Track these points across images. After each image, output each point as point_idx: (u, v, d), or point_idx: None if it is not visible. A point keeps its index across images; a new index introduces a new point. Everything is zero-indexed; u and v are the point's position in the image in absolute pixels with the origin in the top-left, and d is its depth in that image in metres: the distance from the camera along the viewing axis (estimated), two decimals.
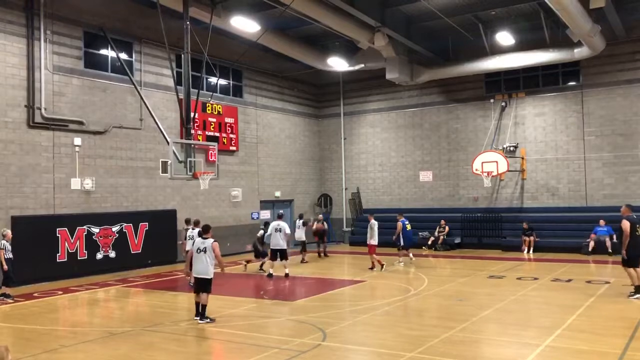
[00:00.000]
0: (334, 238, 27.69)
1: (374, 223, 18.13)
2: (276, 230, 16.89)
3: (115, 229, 18.69)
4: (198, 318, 10.99)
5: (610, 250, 20.25)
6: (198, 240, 11.34)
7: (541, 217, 23.04)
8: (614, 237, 20.63)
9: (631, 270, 12.55)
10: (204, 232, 11.40)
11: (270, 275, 16.65)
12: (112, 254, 18.54)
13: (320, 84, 29.10)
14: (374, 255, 17.84)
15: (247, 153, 24.68)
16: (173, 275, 17.93)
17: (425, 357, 8.39)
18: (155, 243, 19.72)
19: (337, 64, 24.26)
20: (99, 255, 18.19)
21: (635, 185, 21.97)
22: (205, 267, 11.03)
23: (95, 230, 18.11)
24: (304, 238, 21.16)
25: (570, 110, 23.31)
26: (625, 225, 12.54)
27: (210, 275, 11.06)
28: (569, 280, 15.22)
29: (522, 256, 21.15)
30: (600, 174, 22.66)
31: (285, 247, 16.84)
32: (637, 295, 12.42)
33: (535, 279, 15.60)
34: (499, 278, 16.02)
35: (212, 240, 11.18)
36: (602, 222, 20.93)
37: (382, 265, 17.68)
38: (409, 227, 19.21)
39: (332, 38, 23.43)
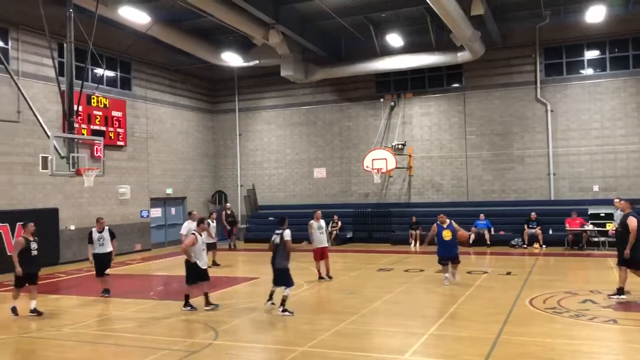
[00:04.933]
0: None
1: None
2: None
3: None
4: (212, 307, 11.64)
5: (488, 242, 21.74)
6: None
7: (427, 211, 24.15)
8: (492, 230, 22.20)
9: (626, 270, 11.45)
10: (197, 225, 12.30)
11: None
12: None
13: (214, 78, 28.64)
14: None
15: (136, 148, 23.77)
16: (55, 277, 16.90)
17: (316, 350, 8.56)
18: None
19: (232, 59, 24.00)
20: None
21: (510, 181, 23.74)
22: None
23: None
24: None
25: (454, 110, 24.71)
26: (633, 222, 11.17)
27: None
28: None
29: (410, 249, 22.14)
30: (479, 171, 24.24)
31: None
32: (621, 297, 11.49)
33: (422, 270, 16.38)
34: (387, 271, 16.66)
35: (192, 232, 11.97)
36: (482, 216, 22.40)
37: None
38: (447, 235, 13.90)
39: (227, 33, 23.14)
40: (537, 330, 9.39)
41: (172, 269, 18.35)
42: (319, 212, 15.33)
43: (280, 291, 11.24)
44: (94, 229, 13.58)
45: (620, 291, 11.56)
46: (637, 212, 11.60)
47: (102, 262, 13.40)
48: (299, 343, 8.93)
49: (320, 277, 14.87)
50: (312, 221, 15.03)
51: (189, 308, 11.56)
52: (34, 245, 11.70)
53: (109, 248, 13.49)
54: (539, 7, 21.43)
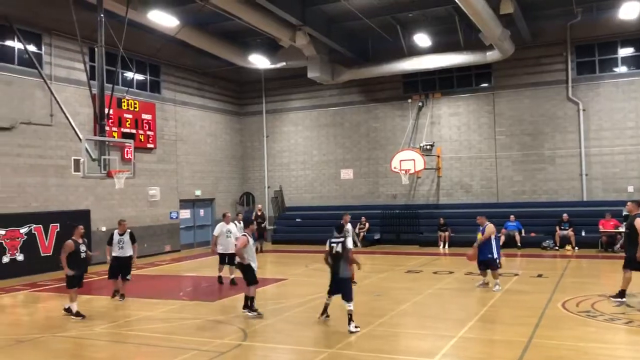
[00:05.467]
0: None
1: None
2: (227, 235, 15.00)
3: (23, 230, 17.67)
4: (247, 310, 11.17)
5: (519, 244, 21.39)
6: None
7: (456, 213, 23.95)
8: (522, 231, 21.84)
9: (632, 273, 11.26)
10: (245, 227, 11.81)
11: (224, 281, 15.09)
12: (20, 257, 17.52)
13: (241, 81, 28.82)
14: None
15: (166, 151, 24.05)
16: (87, 278, 17.11)
17: (345, 352, 8.52)
18: None
19: (259, 61, 24.11)
20: (5, 259, 17.12)
21: (541, 182, 23.33)
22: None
23: (1, 232, 17.04)
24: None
25: (483, 110, 24.40)
26: None
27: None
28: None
29: (438, 251, 21.93)
30: (510, 171, 23.88)
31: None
32: (622, 300, 11.29)
33: (451, 272, 16.21)
34: (416, 273, 16.52)
35: (242, 234, 11.42)
36: (512, 217, 22.05)
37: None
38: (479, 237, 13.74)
39: (254, 35, 23.25)
40: (570, 334, 9.19)
41: (201, 270, 18.52)
42: (348, 215, 14.87)
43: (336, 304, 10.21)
44: (115, 231, 13.50)
45: (622, 294, 11.33)
46: None
47: (121, 265, 13.18)
48: (327, 345, 8.90)
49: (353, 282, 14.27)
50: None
51: (255, 313, 11.05)
52: (82, 248, 11.81)
53: (129, 252, 13.28)
54: (571, 4, 21.02)
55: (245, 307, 11.24)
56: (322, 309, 10.51)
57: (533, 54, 23.33)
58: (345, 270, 10.27)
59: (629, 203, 11.81)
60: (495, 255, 13.38)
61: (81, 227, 12.04)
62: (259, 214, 23.74)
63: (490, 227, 13.58)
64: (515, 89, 23.77)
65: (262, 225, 23.54)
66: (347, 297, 9.95)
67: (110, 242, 13.43)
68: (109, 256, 13.38)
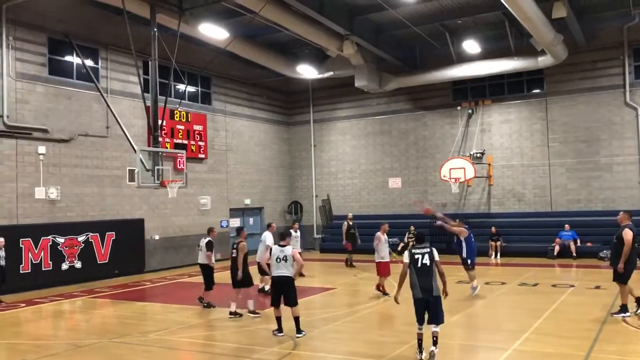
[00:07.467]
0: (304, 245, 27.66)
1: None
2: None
3: (81, 238, 18.31)
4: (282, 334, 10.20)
5: (574, 254, 20.72)
6: (276, 248, 10.34)
7: (508, 222, 23.42)
8: (578, 241, 21.16)
9: (627, 286, 10.99)
10: (281, 239, 10.55)
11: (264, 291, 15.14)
12: (78, 265, 18.15)
13: (289, 91, 29.11)
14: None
15: (216, 160, 24.51)
16: (141, 285, 17.65)
17: None
18: (123, 253, 19.40)
19: (307, 71, 24.32)
20: (65, 266, 17.79)
21: (597, 190, 22.54)
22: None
23: (61, 240, 17.71)
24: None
25: (535, 117, 23.82)
26: (629, 235, 10.83)
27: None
28: (536, 284, 15.49)
29: (490, 261, 21.45)
30: (564, 179, 23.18)
31: None
32: (625, 314, 10.96)
33: (503, 283, 15.85)
34: (467, 283, 16.17)
35: (291, 247, 10.35)
36: (566, 226, 21.41)
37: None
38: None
39: (302, 45, 23.49)
40: (632, 349, 8.83)
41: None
42: (386, 225, 14.87)
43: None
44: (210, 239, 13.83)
45: (624, 309, 10.99)
46: None
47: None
48: (377, 355, 8.83)
49: (386, 293, 13.95)
50: (379, 233, 14.33)
51: (304, 333, 10.21)
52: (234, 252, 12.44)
53: (201, 260, 13.85)
54: (628, 6, 20.31)
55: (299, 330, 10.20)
56: (417, 346, 8.57)
57: (588, 58, 22.65)
58: (437, 286, 8.61)
59: (621, 213, 11.64)
60: (465, 256, 14.05)
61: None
62: (351, 223, 21.37)
63: (462, 230, 14.37)
64: (569, 94, 23.10)
65: (353, 236, 21.38)
66: (441, 319, 8.59)
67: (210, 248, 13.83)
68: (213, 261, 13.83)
